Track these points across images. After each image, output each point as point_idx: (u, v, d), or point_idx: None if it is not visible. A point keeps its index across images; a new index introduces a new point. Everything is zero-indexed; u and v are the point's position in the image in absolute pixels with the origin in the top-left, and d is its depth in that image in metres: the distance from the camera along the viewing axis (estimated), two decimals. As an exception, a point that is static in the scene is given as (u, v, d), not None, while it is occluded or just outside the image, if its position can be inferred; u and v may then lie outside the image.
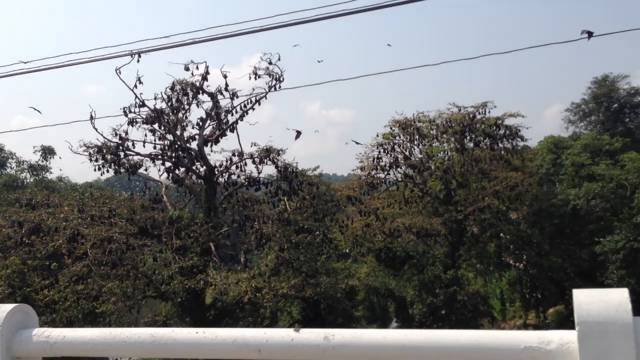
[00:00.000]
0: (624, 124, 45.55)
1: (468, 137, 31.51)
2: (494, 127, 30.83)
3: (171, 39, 10.80)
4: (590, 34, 11.15)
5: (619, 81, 46.08)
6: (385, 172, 31.37)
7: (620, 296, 1.62)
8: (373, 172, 31.42)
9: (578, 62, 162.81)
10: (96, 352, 2.16)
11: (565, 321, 30.37)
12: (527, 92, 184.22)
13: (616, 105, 45.93)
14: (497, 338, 1.76)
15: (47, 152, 39.76)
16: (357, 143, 31.94)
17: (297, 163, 24.60)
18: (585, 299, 1.64)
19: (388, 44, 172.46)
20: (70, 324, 21.27)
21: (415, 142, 32.01)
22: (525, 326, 34.92)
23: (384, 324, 33.46)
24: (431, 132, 31.79)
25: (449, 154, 32.21)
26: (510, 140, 31.46)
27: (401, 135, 31.70)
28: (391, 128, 31.71)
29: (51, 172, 41.09)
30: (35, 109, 32.42)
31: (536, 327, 33.65)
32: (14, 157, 41.00)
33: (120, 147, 23.11)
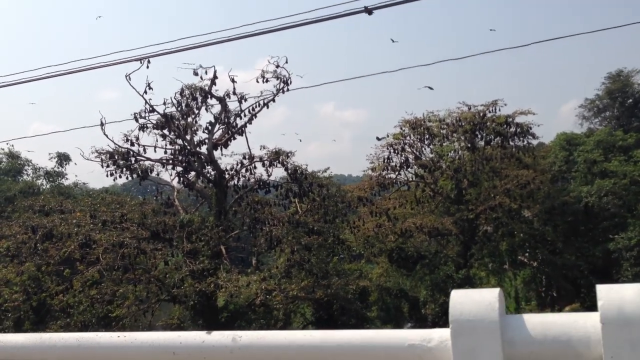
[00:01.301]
0: (639, 119, 45.00)
1: (479, 136, 31.43)
2: (505, 125, 30.71)
3: (181, 42, 10.88)
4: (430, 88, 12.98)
5: (634, 76, 45.34)
6: (396, 173, 31.40)
7: (491, 296, 1.71)
8: (384, 173, 31.44)
9: (594, 56, 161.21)
10: (27, 356, 2.28)
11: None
12: (544, 88, 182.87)
13: (631, 100, 45.32)
14: (385, 337, 1.86)
15: (63, 158, 40.23)
16: (379, 139, 31.77)
17: (307, 165, 24.74)
18: (459, 298, 1.73)
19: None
20: (84, 327, 21.62)
21: (426, 142, 31.97)
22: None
23: (398, 324, 33.34)
24: (441, 131, 31.72)
25: (460, 153, 32.12)
26: (521, 138, 31.32)
27: (411, 135, 31.71)
28: (401, 128, 31.75)
29: (67, 179, 41.61)
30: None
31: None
32: (30, 164, 41.57)
33: (132, 153, 23.39)
